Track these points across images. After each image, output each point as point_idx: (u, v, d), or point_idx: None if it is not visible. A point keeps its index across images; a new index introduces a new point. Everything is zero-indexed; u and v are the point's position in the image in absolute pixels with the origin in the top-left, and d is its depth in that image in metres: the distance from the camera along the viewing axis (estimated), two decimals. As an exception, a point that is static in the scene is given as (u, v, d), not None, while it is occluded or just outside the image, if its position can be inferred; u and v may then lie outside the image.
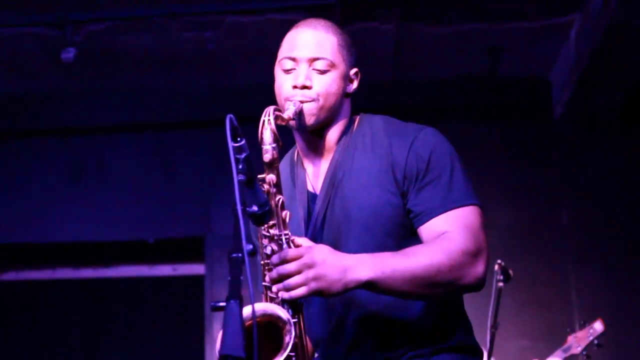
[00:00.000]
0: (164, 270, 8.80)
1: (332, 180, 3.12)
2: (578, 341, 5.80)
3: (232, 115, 2.62)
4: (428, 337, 3.07)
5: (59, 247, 8.50)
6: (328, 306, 3.10)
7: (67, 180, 8.33)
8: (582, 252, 7.88)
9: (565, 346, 5.81)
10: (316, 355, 3.19)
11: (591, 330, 5.83)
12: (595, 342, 5.85)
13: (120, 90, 8.45)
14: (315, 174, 3.20)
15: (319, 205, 3.13)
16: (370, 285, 2.84)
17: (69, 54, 7.10)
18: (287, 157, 3.34)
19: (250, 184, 2.69)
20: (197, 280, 8.32)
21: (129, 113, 8.45)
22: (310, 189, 3.19)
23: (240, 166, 2.64)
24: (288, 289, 2.79)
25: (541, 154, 8.19)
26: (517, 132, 8.24)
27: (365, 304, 3.04)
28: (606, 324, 5.83)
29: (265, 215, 2.75)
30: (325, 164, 3.18)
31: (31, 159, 8.40)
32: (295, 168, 3.26)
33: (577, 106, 7.82)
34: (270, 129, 2.87)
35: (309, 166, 3.23)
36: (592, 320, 5.97)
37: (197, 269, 8.40)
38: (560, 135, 8.15)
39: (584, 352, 5.87)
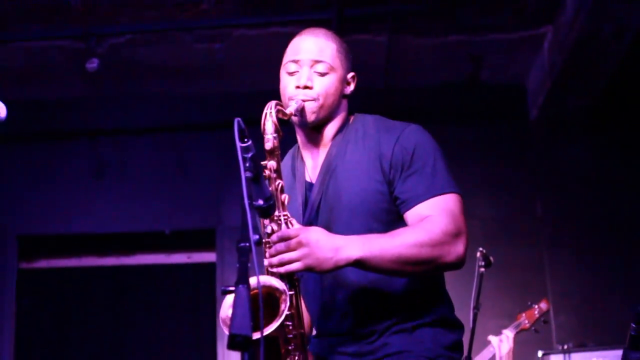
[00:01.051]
0: (179, 258, 8.78)
1: (327, 171, 3.15)
2: (527, 318, 5.89)
3: (239, 119, 2.63)
4: (411, 312, 3.09)
5: (84, 238, 8.49)
6: (321, 285, 3.13)
7: (92, 177, 8.32)
8: (555, 240, 7.89)
9: (516, 323, 5.89)
10: (313, 330, 3.22)
11: (538, 309, 5.91)
12: (542, 319, 5.94)
13: (138, 96, 8.45)
14: (312, 166, 3.23)
15: (314, 192, 3.16)
16: (359, 264, 2.87)
17: (93, 64, 7.10)
18: (289, 153, 3.37)
19: (257, 180, 2.70)
20: (209, 267, 8.31)
21: (147, 117, 8.44)
22: (307, 179, 3.23)
23: (248, 164, 2.65)
24: (283, 264, 2.82)
25: (518, 152, 8.19)
26: (496, 132, 8.23)
27: (353, 282, 3.07)
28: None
29: (270, 208, 2.76)
30: (322, 156, 3.21)
31: (59, 159, 8.40)
32: (296, 162, 3.28)
33: (550, 109, 7.82)
34: (272, 120, 2.91)
35: (307, 158, 3.26)
36: (543, 299, 6.06)
37: (209, 257, 8.39)
38: (535, 136, 8.15)
39: (533, 328, 5.97)
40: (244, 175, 2.57)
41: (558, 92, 7.51)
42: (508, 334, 5.75)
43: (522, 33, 7.49)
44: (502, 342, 5.71)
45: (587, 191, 7.98)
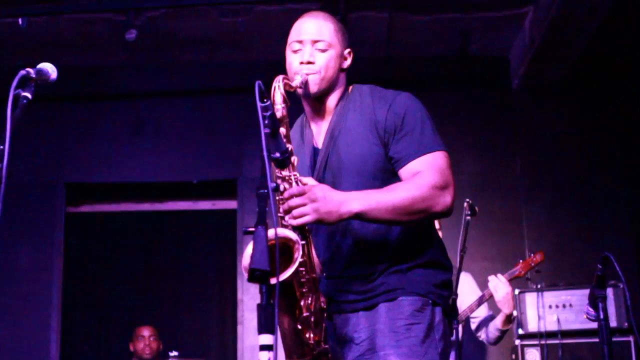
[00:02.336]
0: (205, 205, 8.81)
1: (330, 137, 3.18)
2: (522, 267, 5.86)
3: (260, 82, 2.63)
4: (405, 256, 3.12)
5: (123, 186, 8.51)
6: (329, 236, 3.19)
7: (130, 133, 8.32)
8: (532, 194, 7.90)
9: (512, 270, 5.85)
10: (323, 274, 3.25)
11: (534, 259, 5.89)
12: (536, 269, 5.92)
13: (171, 63, 8.43)
14: (318, 133, 3.26)
15: (320, 156, 3.19)
16: (359, 216, 2.91)
17: (131, 34, 7.08)
18: (298, 121, 3.39)
19: (274, 136, 2.71)
20: (231, 213, 8.32)
21: (178, 81, 8.43)
22: (315, 144, 3.25)
23: (266, 121, 2.65)
24: (295, 217, 2.84)
25: (501, 116, 8.17)
26: (482, 99, 8.21)
27: (356, 232, 3.12)
28: (546, 256, 5.89)
29: (286, 160, 2.78)
30: (326, 124, 3.23)
31: (102, 117, 8.40)
32: (304, 129, 3.31)
33: (530, 79, 7.80)
34: (280, 92, 2.94)
35: (314, 126, 3.28)
36: (537, 250, 6.03)
37: (231, 204, 8.40)
38: (516, 102, 8.13)
39: (526, 276, 5.97)
40: (263, 131, 2.59)
41: (537, 64, 7.49)
42: (502, 279, 5.72)
43: (507, 12, 7.47)
44: (499, 287, 5.67)
45: (561, 151, 7.99)
